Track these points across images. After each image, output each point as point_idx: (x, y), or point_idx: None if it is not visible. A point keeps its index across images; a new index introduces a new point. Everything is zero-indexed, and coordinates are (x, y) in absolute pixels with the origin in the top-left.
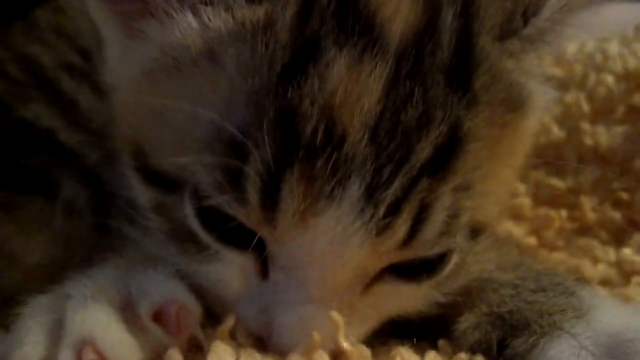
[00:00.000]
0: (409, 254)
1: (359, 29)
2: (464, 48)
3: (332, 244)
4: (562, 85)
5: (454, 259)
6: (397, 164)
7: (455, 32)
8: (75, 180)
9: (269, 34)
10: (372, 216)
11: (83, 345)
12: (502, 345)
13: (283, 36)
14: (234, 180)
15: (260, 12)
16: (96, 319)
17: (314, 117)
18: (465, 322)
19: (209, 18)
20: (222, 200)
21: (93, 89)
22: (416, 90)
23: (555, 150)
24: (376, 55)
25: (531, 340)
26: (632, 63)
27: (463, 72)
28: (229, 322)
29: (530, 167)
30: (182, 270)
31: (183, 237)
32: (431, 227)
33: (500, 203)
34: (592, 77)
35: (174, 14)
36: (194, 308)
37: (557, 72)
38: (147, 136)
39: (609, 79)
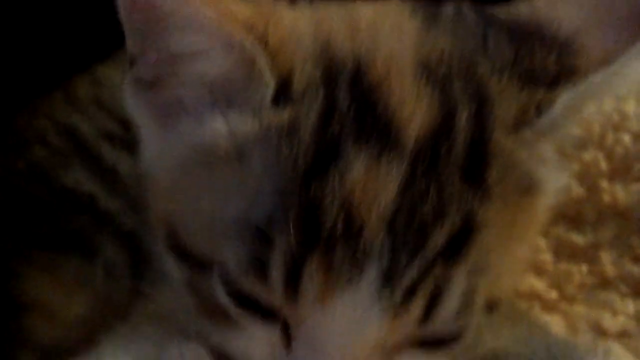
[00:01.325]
0: (425, 332)
1: (377, 132)
2: (478, 146)
3: (350, 324)
4: (581, 143)
5: (470, 333)
6: (412, 253)
7: (470, 132)
8: (115, 244)
9: (292, 138)
10: (388, 300)
11: None
12: None
13: (305, 140)
14: (258, 265)
15: (284, 117)
16: None
17: (334, 212)
18: None
19: (236, 123)
20: (246, 283)
21: (132, 155)
22: (431, 187)
23: (575, 207)
24: (392, 157)
25: None
26: None
27: (477, 168)
28: None
29: (551, 224)
30: (210, 340)
31: (212, 311)
32: (446, 308)
33: (515, 277)
34: (610, 137)
35: (205, 116)
36: None
37: (576, 131)
38: (179, 221)
39: (626, 138)
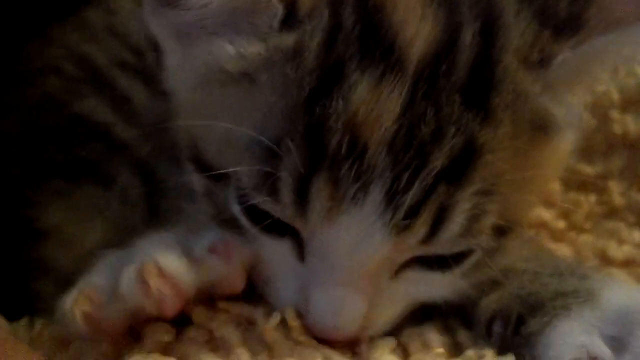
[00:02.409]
0: (430, 250)
1: (380, 53)
2: (482, 66)
3: (356, 240)
4: None
5: (476, 255)
6: (413, 173)
7: (475, 51)
8: (129, 171)
9: (298, 60)
10: (392, 217)
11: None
12: (520, 321)
13: (310, 61)
14: (270, 182)
15: (290, 40)
16: (158, 248)
17: (338, 132)
18: (488, 298)
19: (244, 47)
20: (260, 200)
21: (146, 85)
22: (429, 109)
23: (586, 138)
24: (395, 78)
25: (545, 319)
26: None
27: (480, 90)
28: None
29: None
30: None
31: (228, 222)
32: (450, 228)
33: (530, 207)
34: (623, 69)
35: (216, 39)
36: (242, 248)
37: None
38: (199, 134)
39: (639, 71)
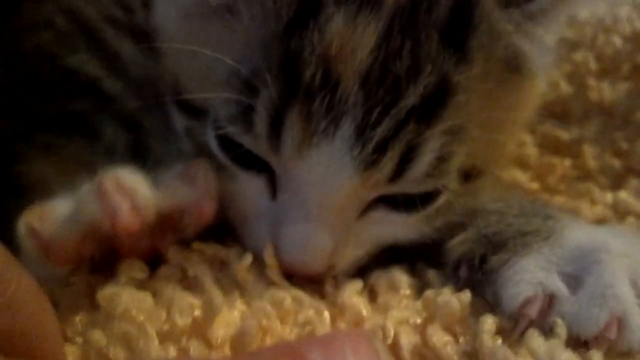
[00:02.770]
0: (396, 189)
1: None
2: (462, 8)
3: (326, 173)
4: (573, 45)
5: (442, 197)
6: (385, 108)
7: None
8: (116, 125)
9: None
10: (361, 152)
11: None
12: (483, 260)
13: None
14: (246, 114)
15: None
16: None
17: (313, 64)
18: (454, 240)
19: None
20: (235, 130)
21: (134, 42)
22: (406, 45)
23: (562, 104)
24: (371, 13)
25: (505, 257)
26: (639, 25)
27: (459, 30)
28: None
29: (538, 121)
30: None
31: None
32: (417, 167)
33: (500, 151)
34: (601, 38)
35: None
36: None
37: (569, 33)
38: (182, 72)
39: (617, 40)
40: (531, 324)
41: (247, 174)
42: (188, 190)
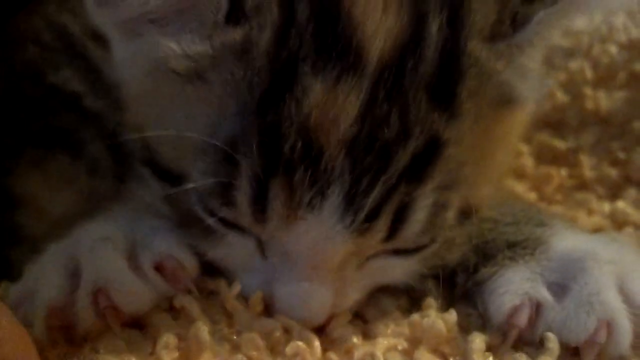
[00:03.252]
0: (393, 246)
1: (337, 51)
2: (450, 58)
3: (316, 242)
4: (569, 54)
5: (441, 241)
6: (374, 176)
7: (442, 43)
8: (99, 143)
9: (246, 59)
10: (352, 221)
11: (98, 292)
12: (475, 269)
13: (259, 61)
14: (225, 188)
15: (236, 36)
16: (109, 268)
17: (292, 137)
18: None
19: (189, 46)
20: (215, 204)
21: None
22: (393, 111)
23: (559, 114)
24: (353, 79)
25: (493, 269)
26: (635, 34)
27: (447, 84)
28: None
29: (534, 130)
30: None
31: (191, 223)
32: (411, 225)
33: (494, 183)
34: (597, 47)
35: (158, 36)
36: (190, 265)
37: (565, 43)
38: (151, 132)
39: (613, 49)
40: (520, 335)
41: (236, 234)
42: (162, 284)
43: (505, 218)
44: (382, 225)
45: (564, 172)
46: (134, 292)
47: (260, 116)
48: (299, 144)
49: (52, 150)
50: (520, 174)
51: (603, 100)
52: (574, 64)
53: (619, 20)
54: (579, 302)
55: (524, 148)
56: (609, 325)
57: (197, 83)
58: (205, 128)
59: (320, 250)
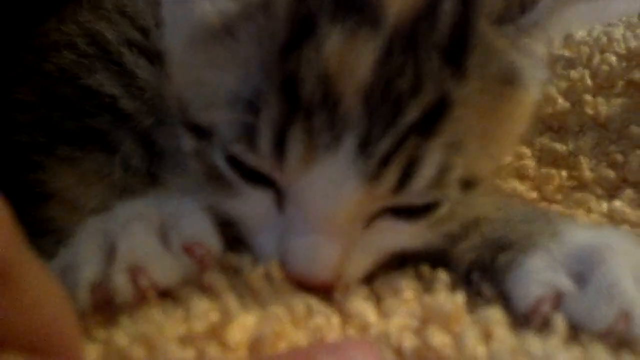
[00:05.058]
0: (400, 201)
1: (356, 5)
2: (460, 31)
3: (330, 187)
4: (570, 64)
5: (445, 207)
6: (387, 124)
7: (454, 18)
8: (132, 141)
9: (270, 12)
10: (364, 166)
11: (135, 270)
12: (493, 260)
13: (282, 12)
14: (249, 134)
15: None
16: (143, 244)
17: (311, 83)
18: (461, 247)
19: (220, 2)
20: (240, 149)
21: (149, 63)
22: (408, 63)
23: (560, 119)
24: (370, 31)
25: (513, 256)
26: (633, 44)
27: (457, 51)
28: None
29: (536, 134)
30: (214, 207)
31: (215, 178)
32: (420, 178)
33: (497, 161)
34: (597, 57)
35: None
36: (215, 247)
37: (566, 53)
38: (186, 94)
39: (612, 59)
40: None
41: (255, 190)
42: (191, 264)
43: (515, 217)
44: (392, 174)
45: (564, 173)
46: (168, 267)
47: (282, 63)
48: (319, 90)
49: (86, 148)
50: (522, 175)
51: (602, 107)
52: (575, 73)
53: (618, 31)
54: (598, 292)
55: (527, 151)
56: (627, 314)
57: (227, 41)
58: (234, 83)
59: (333, 196)
